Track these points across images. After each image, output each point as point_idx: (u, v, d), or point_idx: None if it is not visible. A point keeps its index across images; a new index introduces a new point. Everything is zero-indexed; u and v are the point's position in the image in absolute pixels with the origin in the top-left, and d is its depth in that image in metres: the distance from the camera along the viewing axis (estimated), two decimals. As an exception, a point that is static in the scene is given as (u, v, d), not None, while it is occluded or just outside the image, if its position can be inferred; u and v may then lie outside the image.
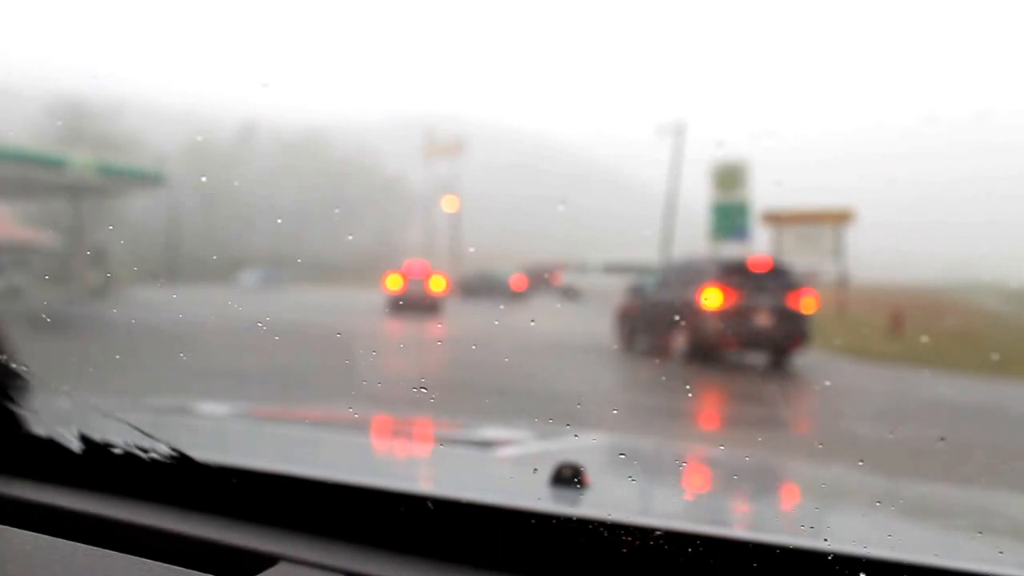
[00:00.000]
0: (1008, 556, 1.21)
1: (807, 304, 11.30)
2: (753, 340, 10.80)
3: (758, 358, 10.95)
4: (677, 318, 11.11)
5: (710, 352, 10.54)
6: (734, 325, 10.60)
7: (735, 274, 11.32)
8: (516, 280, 19.35)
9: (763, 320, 10.67)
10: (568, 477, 1.51)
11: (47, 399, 1.69)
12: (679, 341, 10.53)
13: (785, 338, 10.69)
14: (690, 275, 11.75)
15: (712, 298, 10.81)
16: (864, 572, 1.05)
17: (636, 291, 13.09)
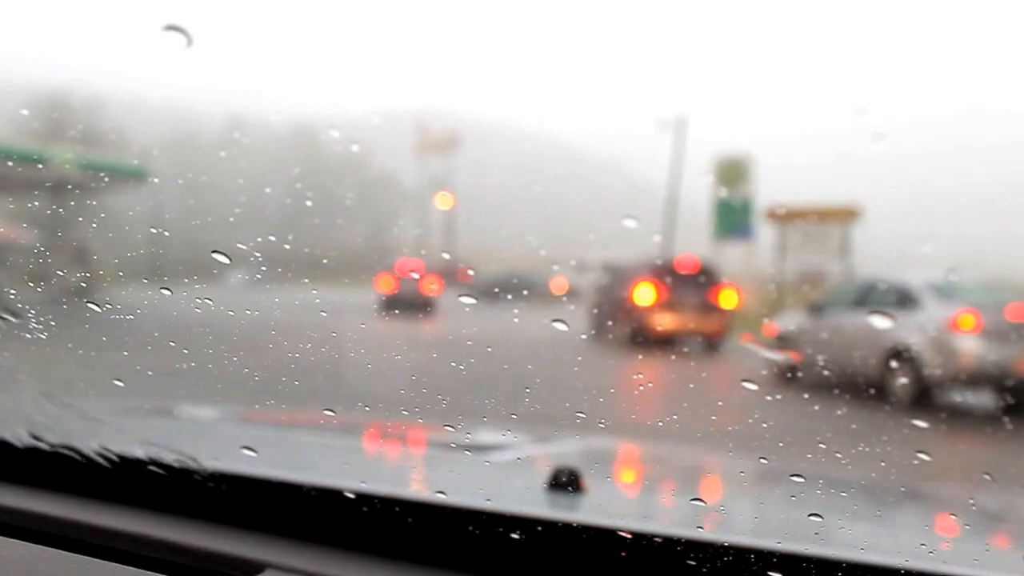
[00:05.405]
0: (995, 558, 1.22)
1: (727, 298, 13.06)
2: (680, 329, 12.39)
3: (692, 344, 12.54)
4: (620, 311, 12.86)
5: (646, 339, 12.10)
6: (662, 316, 12.36)
7: (665, 273, 13.42)
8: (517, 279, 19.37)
9: (688, 312, 12.40)
10: (565, 482, 1.45)
11: (27, 403, 1.61)
12: (621, 330, 12.10)
13: (707, 327, 12.34)
14: (630, 274, 13.70)
15: (644, 294, 12.68)
16: None
17: (599, 288, 14.97)
